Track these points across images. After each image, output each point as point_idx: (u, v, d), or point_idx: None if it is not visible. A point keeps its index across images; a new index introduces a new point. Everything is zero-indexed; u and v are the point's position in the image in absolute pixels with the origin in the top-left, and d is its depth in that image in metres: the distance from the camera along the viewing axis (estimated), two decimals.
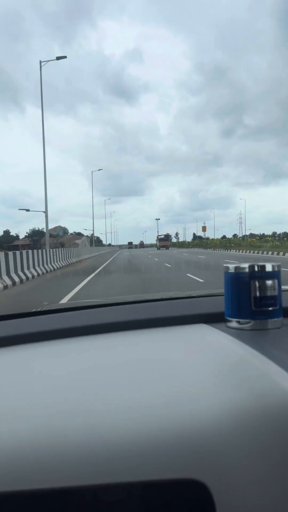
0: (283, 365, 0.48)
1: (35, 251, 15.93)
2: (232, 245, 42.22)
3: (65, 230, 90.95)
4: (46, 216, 22.31)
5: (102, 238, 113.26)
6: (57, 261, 20.09)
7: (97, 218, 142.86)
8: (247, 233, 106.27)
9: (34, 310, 0.95)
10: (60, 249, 21.61)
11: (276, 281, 0.64)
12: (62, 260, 21.41)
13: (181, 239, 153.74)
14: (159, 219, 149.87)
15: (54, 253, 19.69)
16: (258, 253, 31.59)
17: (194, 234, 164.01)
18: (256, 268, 0.63)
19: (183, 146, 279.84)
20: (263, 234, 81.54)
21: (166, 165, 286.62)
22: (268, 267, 0.64)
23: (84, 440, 0.42)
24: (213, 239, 65.96)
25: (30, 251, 15.18)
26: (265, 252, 30.93)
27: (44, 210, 22.27)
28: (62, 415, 0.45)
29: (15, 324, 0.80)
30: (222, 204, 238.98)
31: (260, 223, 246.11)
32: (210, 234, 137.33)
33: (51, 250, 19.44)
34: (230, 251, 36.96)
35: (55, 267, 19.13)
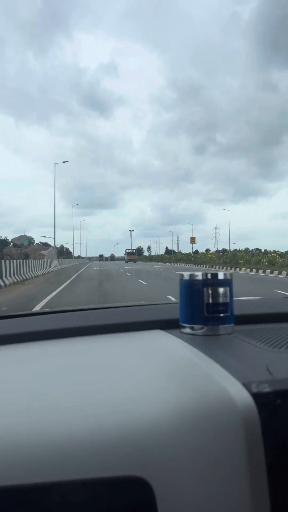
0: (226, 366, 0.51)
1: None
2: (241, 261, 33.10)
3: (30, 240, 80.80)
4: None
5: (71, 249, 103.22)
6: None
7: (66, 229, 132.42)
8: (220, 248, 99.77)
9: None
10: None
11: (228, 288, 0.68)
12: None
13: (153, 253, 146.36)
14: (132, 230, 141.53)
15: None
16: None
17: (166, 247, 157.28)
18: (209, 276, 0.67)
19: (155, 160, 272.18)
20: (236, 249, 74.48)
21: (139, 179, 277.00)
22: (220, 275, 0.68)
23: (30, 438, 0.41)
24: (206, 253, 56.84)
25: None
26: None
27: None
28: (9, 414, 0.44)
29: None
30: (193, 219, 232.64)
31: (230, 239, 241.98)
32: (183, 249, 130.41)
33: None
34: (239, 269, 27.62)
35: None
